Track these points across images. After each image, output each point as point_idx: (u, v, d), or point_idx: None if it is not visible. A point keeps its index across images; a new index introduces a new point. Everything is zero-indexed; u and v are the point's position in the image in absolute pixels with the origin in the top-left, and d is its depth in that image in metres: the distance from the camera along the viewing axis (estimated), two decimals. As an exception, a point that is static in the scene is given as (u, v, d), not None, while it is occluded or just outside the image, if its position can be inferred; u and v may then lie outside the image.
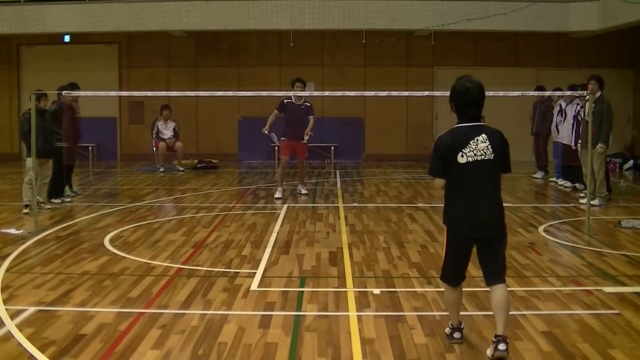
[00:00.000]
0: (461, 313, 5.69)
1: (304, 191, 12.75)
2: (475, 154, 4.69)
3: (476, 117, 4.78)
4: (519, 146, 18.14)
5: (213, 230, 9.33)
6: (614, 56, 18.60)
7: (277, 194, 12.36)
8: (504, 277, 4.82)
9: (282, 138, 12.59)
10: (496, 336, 4.66)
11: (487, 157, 4.70)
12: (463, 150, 4.69)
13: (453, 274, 5.00)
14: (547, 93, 13.40)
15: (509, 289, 6.38)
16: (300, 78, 12.36)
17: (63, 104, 11.51)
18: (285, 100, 12.42)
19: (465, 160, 4.69)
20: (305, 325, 5.41)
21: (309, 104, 12.44)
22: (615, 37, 17.98)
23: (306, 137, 12.44)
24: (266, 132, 12.42)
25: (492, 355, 4.63)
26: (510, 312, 5.69)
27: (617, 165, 16.73)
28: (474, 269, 7.16)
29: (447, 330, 5.11)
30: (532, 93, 13.84)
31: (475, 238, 4.81)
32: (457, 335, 5.04)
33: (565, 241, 8.70)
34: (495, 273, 4.80)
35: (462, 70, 20.66)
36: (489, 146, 4.71)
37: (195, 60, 19.43)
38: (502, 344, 4.60)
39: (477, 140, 4.71)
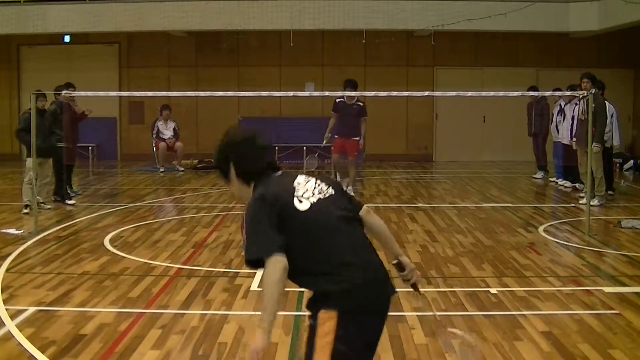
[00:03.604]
0: (461, 313, 5.72)
1: (351, 193, 12.76)
2: (313, 194, 3.17)
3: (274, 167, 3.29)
4: (518, 146, 18.50)
5: (213, 230, 9.33)
6: (614, 56, 18.60)
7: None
8: None
9: (335, 136, 12.79)
10: None
11: (328, 194, 3.20)
12: (295, 194, 3.13)
13: None
14: (547, 93, 13.40)
15: (509, 289, 6.44)
16: (349, 79, 12.62)
17: (62, 104, 11.51)
18: (337, 100, 12.75)
19: (309, 203, 3.11)
20: (306, 325, 5.39)
21: (361, 104, 12.70)
22: (615, 37, 17.98)
23: (360, 139, 12.69)
24: (327, 139, 12.71)
25: None
26: (510, 312, 5.73)
27: (617, 165, 16.72)
28: (473, 269, 7.21)
29: None
30: (531, 93, 13.86)
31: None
32: None
33: (565, 241, 8.69)
34: None
35: (462, 70, 20.84)
36: (318, 181, 3.26)
37: (195, 60, 19.43)
38: None
39: (299, 183, 3.21)
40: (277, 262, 2.89)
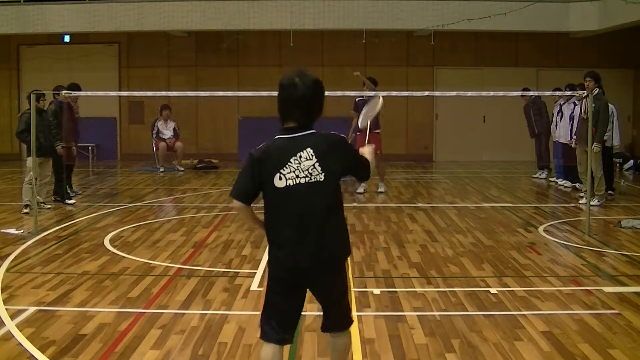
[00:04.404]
0: (461, 313, 5.73)
1: (382, 189, 12.92)
2: (297, 175, 3.51)
3: (303, 124, 3.60)
4: (518, 146, 18.51)
5: (213, 230, 9.33)
6: (614, 56, 18.60)
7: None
8: (348, 323, 3.91)
9: (357, 134, 12.77)
10: None
11: (313, 180, 3.52)
12: (281, 171, 3.52)
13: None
14: (547, 93, 13.41)
15: (509, 289, 6.44)
16: (370, 77, 13.01)
17: (62, 104, 11.50)
18: (357, 99, 12.87)
19: (285, 184, 3.51)
20: (305, 325, 5.40)
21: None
22: (615, 37, 17.97)
23: (356, 73, 12.96)
24: (351, 139, 12.69)
25: None
26: (511, 312, 5.73)
27: (617, 165, 16.72)
28: (473, 269, 7.21)
29: None
30: (529, 93, 13.87)
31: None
32: None
33: (565, 241, 8.69)
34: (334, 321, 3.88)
35: (462, 70, 20.80)
36: (317, 164, 3.53)
37: (195, 60, 19.43)
38: None
39: (300, 156, 3.53)
40: (236, 204, 3.63)
